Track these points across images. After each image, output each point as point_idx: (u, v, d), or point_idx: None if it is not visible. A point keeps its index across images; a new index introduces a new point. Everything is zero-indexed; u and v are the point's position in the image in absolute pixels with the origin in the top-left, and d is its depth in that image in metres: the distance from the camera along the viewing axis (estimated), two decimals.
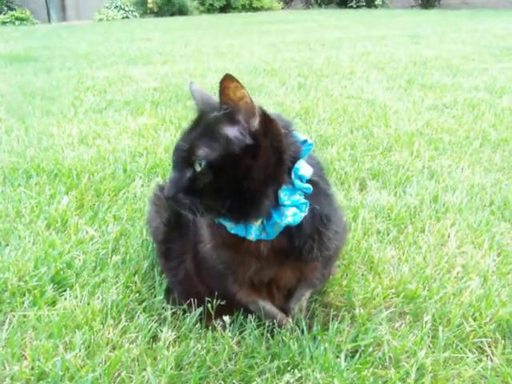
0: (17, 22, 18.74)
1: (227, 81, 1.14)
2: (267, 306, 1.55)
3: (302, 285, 1.53)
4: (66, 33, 14.09)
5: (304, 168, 1.27)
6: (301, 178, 1.26)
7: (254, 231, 1.28)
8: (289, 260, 1.37)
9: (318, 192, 1.32)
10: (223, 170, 1.20)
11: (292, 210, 1.25)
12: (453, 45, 8.54)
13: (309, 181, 1.28)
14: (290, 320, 1.56)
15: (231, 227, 1.31)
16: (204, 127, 1.24)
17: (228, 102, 1.18)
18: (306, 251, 1.34)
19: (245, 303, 1.54)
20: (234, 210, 1.23)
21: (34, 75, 6.37)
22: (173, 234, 1.69)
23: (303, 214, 1.27)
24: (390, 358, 1.45)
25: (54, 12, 22.41)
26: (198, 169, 1.20)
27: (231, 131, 1.20)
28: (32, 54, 8.45)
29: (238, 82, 1.14)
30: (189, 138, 1.25)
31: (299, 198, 1.25)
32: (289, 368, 1.40)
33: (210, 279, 1.54)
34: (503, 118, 3.87)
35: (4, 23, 18.53)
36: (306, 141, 1.31)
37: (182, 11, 22.41)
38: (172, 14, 22.23)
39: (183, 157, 1.23)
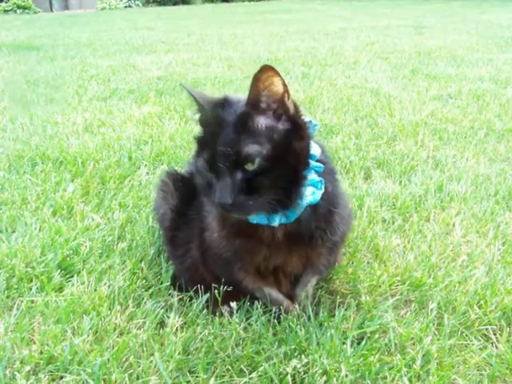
0: (18, 11, 18.67)
1: (261, 73, 1.14)
2: (273, 292, 1.56)
3: (307, 271, 1.54)
4: (68, 22, 14.06)
5: (314, 147, 1.28)
6: (312, 157, 1.27)
7: (276, 217, 1.28)
8: (299, 245, 1.38)
9: (327, 171, 1.34)
10: (277, 160, 1.17)
11: (310, 189, 1.26)
12: (457, 35, 8.50)
13: (318, 161, 1.29)
14: (297, 306, 1.58)
15: (253, 218, 1.29)
16: (235, 125, 1.19)
17: (256, 93, 1.18)
18: (318, 235, 1.36)
19: (251, 290, 1.55)
20: (284, 197, 1.23)
21: (38, 64, 6.36)
22: (180, 222, 1.69)
23: (320, 192, 1.28)
24: (395, 344, 1.46)
25: (56, 1, 22.30)
26: (252, 167, 1.16)
27: (267, 121, 1.20)
28: (35, 43, 8.44)
29: (272, 71, 1.14)
30: (227, 141, 1.18)
31: (314, 176, 1.27)
32: (296, 354, 1.41)
33: (215, 267, 1.55)
34: (508, 108, 3.85)
35: (6, 11, 18.48)
36: (311, 121, 1.32)
37: (184, 0, 22.32)
38: (175, 3, 22.18)
39: (231, 161, 1.16)
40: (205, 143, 1.24)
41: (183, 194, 1.68)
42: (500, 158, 2.87)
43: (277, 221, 1.28)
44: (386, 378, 1.34)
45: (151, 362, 1.38)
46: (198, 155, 1.25)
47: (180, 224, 1.68)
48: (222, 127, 1.20)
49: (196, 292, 1.63)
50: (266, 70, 1.13)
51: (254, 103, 1.19)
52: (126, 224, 2.11)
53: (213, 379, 1.31)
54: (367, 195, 2.36)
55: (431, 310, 1.58)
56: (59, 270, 1.77)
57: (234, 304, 1.51)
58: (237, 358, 1.41)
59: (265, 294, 1.56)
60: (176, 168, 1.86)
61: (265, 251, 1.39)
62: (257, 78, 1.14)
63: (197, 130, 1.31)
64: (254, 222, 1.30)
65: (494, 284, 1.68)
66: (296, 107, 1.23)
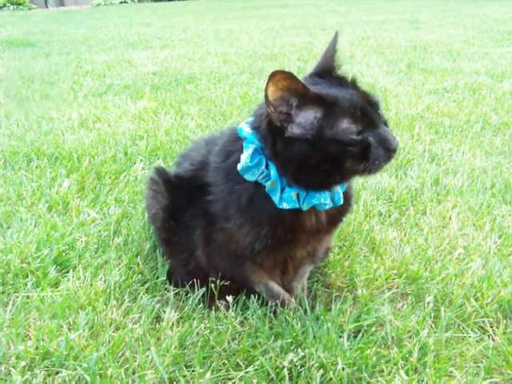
0: (12, 7, 18.54)
1: None
2: (275, 286, 1.56)
3: (306, 261, 1.56)
4: (63, 18, 13.99)
5: None
6: None
7: (328, 200, 1.35)
8: (331, 228, 1.47)
9: None
10: None
11: None
12: (453, 29, 8.50)
13: None
14: (293, 300, 1.57)
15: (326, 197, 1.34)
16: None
17: None
18: (349, 214, 1.49)
19: (255, 285, 1.56)
20: None
21: (33, 60, 6.33)
22: (175, 226, 1.64)
23: None
24: (392, 337, 1.46)
25: None
26: None
27: None
28: (30, 39, 8.39)
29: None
30: (370, 92, 1.31)
31: None
32: (292, 347, 1.40)
33: (224, 265, 1.54)
34: (504, 101, 3.86)
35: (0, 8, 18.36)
36: None
37: None
38: None
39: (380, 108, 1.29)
40: (351, 103, 1.23)
41: (174, 196, 1.65)
42: (496, 152, 2.87)
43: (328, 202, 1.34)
44: (382, 371, 1.35)
45: (147, 356, 1.37)
46: (337, 121, 1.22)
47: (176, 228, 1.64)
48: (357, 88, 1.32)
49: (192, 287, 1.62)
50: None
51: None
52: (121, 219, 2.10)
53: (209, 373, 1.31)
54: (363, 189, 2.36)
55: (428, 302, 1.58)
56: (55, 266, 1.76)
57: (229, 298, 1.51)
58: (233, 352, 1.40)
59: (267, 288, 1.55)
60: (164, 167, 1.84)
61: (305, 239, 1.42)
62: None
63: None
64: (314, 201, 1.32)
65: (490, 277, 1.68)
66: None
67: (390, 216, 2.16)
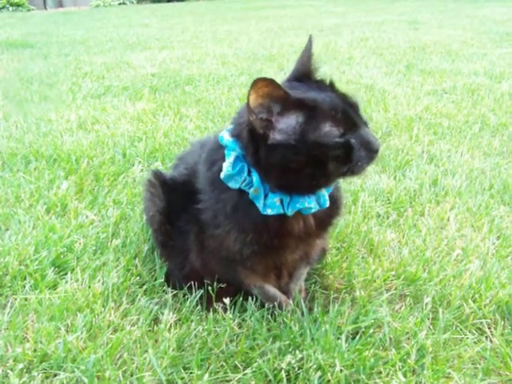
0: (11, 8, 18.55)
1: None
2: (271, 289, 1.56)
3: (301, 263, 1.56)
4: (62, 19, 13.99)
5: None
6: None
7: (314, 203, 1.34)
8: (321, 232, 1.46)
9: None
10: None
11: None
12: (452, 30, 8.49)
13: None
14: (291, 302, 1.57)
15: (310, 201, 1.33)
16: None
17: None
18: (338, 217, 1.48)
19: (251, 288, 1.56)
20: None
21: (31, 61, 6.33)
22: (171, 230, 1.64)
23: None
24: (390, 339, 1.46)
25: None
26: None
27: None
28: (29, 41, 8.38)
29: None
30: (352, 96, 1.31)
31: None
32: (290, 349, 1.40)
33: (218, 269, 1.55)
34: (502, 102, 3.86)
35: None
36: None
37: None
38: (169, 0, 22.07)
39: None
40: (332, 106, 1.24)
41: (170, 199, 1.65)
42: (494, 152, 2.87)
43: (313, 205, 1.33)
44: (380, 372, 1.35)
45: (145, 358, 1.37)
46: (319, 124, 1.21)
47: (172, 232, 1.64)
48: (336, 90, 1.33)
49: (190, 289, 1.62)
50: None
51: None
52: (119, 221, 2.10)
53: (207, 375, 1.31)
54: (362, 190, 2.36)
55: (426, 304, 1.58)
56: (53, 268, 1.76)
57: (227, 300, 1.50)
58: (231, 354, 1.40)
59: (262, 291, 1.56)
60: (161, 169, 1.83)
61: (294, 243, 1.42)
62: None
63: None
64: (301, 205, 1.32)
65: (488, 278, 1.68)
66: None
67: (388, 217, 2.16)
